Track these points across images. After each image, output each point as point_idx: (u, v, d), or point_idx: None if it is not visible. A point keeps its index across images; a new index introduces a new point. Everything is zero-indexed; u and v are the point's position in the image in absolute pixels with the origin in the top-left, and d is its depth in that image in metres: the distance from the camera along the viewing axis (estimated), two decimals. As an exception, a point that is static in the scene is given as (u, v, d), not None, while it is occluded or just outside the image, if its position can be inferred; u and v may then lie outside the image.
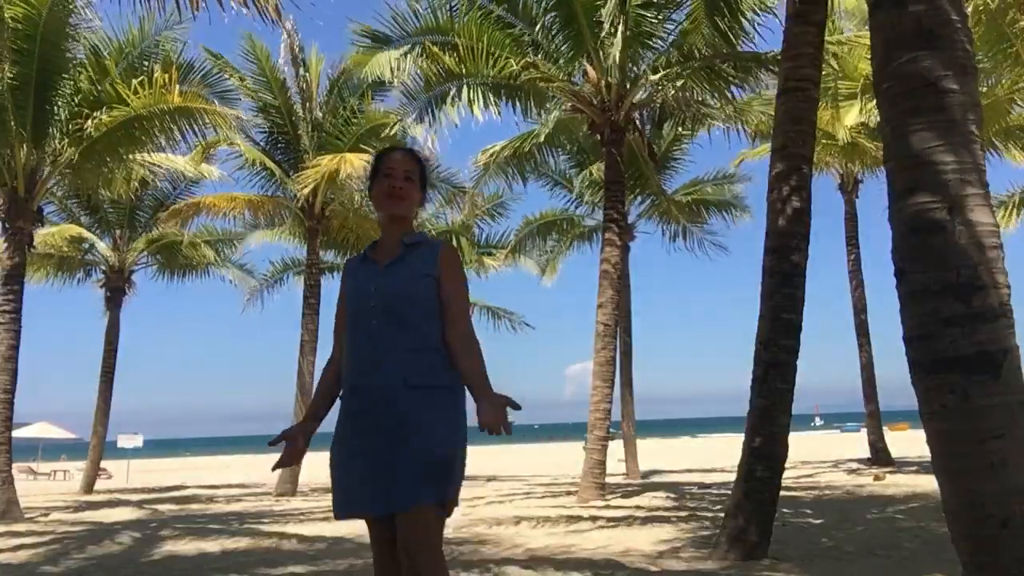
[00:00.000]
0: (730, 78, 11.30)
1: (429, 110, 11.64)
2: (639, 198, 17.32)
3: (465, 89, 11.21)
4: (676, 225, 18.44)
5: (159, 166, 14.34)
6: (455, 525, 7.91)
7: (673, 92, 11.43)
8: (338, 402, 2.57)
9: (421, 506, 2.30)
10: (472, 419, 2.33)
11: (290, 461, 2.59)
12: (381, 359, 2.41)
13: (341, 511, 2.46)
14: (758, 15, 10.48)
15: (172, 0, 5.69)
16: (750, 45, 10.81)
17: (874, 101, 3.99)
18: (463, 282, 2.58)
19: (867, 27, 3.99)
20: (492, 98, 11.54)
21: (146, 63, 12.50)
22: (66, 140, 11.73)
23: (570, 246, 20.07)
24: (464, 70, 11.11)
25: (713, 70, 11.13)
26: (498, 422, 2.20)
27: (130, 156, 12.60)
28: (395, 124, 12.64)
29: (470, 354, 2.42)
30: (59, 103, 11.78)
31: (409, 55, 11.40)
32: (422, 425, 2.35)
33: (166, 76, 11.22)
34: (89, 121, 11.38)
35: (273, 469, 2.75)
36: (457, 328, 2.47)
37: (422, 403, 2.37)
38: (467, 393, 2.42)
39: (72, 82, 11.86)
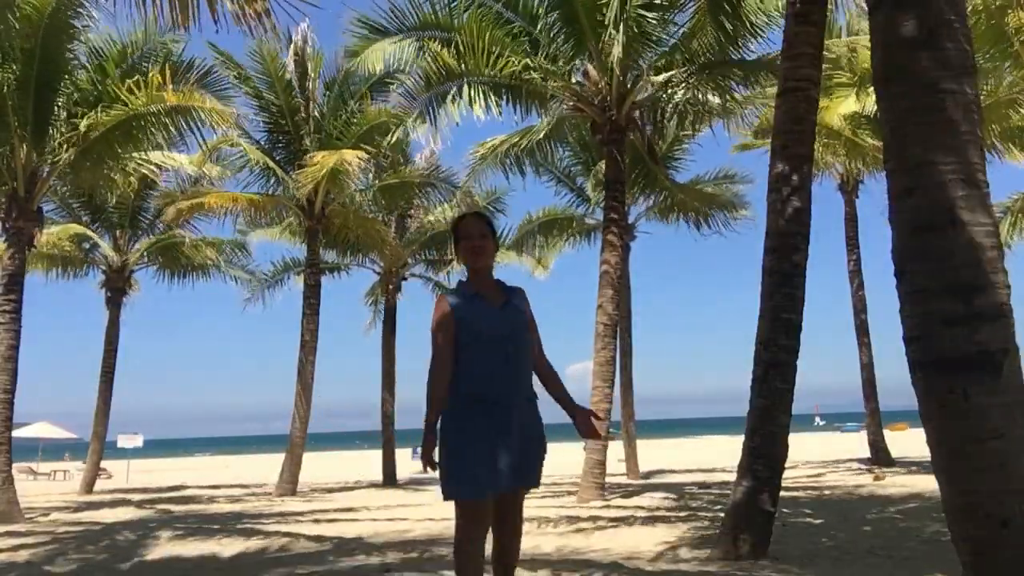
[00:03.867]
0: (735, 79, 11.28)
1: (430, 109, 11.59)
2: (644, 197, 17.19)
3: (466, 88, 11.16)
4: (696, 215, 18.05)
5: (160, 165, 14.28)
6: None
7: (679, 96, 11.38)
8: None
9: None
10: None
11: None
12: (516, 377, 3.27)
13: (485, 490, 3.21)
14: (766, 19, 10.49)
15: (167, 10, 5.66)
16: (755, 46, 10.85)
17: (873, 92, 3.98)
18: None
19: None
20: (493, 97, 11.50)
21: (147, 64, 12.47)
22: (64, 140, 11.71)
23: (567, 240, 19.81)
24: (464, 68, 11.06)
25: (717, 71, 11.11)
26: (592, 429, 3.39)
27: (129, 155, 12.57)
28: (396, 130, 12.58)
29: (557, 376, 3.44)
30: (59, 103, 11.76)
31: (407, 46, 11.36)
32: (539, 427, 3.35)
33: (161, 75, 11.20)
34: (85, 120, 11.34)
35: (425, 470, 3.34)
36: (545, 356, 3.44)
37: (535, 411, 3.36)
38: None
39: (72, 82, 11.84)
